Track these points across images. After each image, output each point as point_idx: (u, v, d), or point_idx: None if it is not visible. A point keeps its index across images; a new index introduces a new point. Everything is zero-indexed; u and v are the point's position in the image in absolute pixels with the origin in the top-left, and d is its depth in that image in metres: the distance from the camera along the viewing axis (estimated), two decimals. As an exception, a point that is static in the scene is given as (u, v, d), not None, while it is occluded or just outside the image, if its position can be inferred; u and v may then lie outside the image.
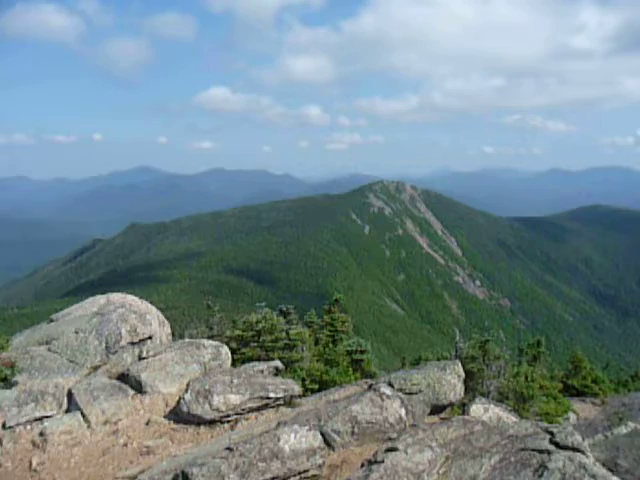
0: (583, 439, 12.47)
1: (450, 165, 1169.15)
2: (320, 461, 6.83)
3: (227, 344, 14.03)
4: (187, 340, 12.36)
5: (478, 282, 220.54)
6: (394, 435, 7.73)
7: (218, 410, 8.96)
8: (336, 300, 20.50)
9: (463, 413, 10.78)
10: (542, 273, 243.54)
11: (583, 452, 6.51)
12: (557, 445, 6.62)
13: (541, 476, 5.72)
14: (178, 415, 9.25)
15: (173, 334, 14.06)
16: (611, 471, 8.33)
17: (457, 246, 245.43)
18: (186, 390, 9.32)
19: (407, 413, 8.42)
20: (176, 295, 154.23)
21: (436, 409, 10.72)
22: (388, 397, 8.41)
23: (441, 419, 10.11)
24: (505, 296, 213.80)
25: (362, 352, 16.15)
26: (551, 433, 7.01)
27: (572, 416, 18.25)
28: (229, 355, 11.85)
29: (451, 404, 11.05)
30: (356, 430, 7.73)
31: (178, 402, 9.37)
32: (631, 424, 13.17)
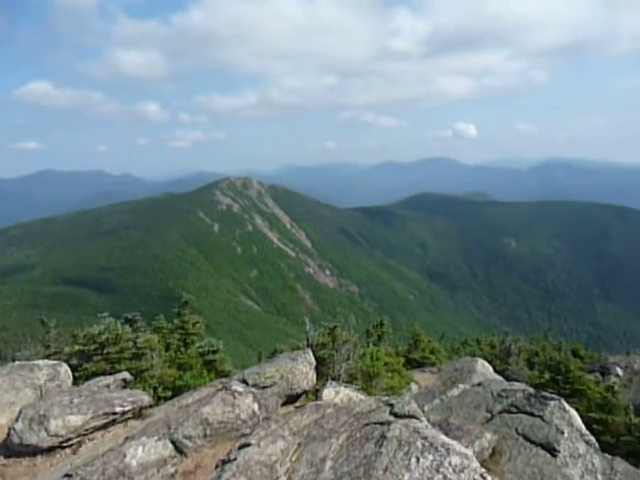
0: (423, 405, 13.74)
1: (294, 160, 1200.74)
2: (172, 470, 6.63)
3: (67, 362, 12.93)
4: (18, 363, 11.10)
5: (328, 271, 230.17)
6: (247, 431, 7.79)
7: (57, 435, 8.21)
8: (186, 302, 19.88)
9: (317, 399, 11.20)
10: (384, 258, 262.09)
11: (417, 418, 7.16)
12: (396, 415, 7.22)
13: (381, 446, 6.20)
14: (9, 448, 8.29)
15: (5, 359, 12.59)
16: (444, 430, 9.32)
17: (306, 238, 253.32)
18: (17, 419, 8.39)
19: (260, 407, 8.52)
20: (6, 314, 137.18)
21: (291, 398, 11.02)
22: (240, 394, 8.42)
23: (296, 408, 10.40)
24: (354, 282, 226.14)
25: (214, 352, 15.94)
26: (391, 405, 7.61)
27: (414, 386, 19.95)
28: (69, 373, 10.95)
29: (305, 392, 11.43)
30: (208, 432, 7.63)
31: (9, 434, 8.41)
32: (461, 386, 14.89)
